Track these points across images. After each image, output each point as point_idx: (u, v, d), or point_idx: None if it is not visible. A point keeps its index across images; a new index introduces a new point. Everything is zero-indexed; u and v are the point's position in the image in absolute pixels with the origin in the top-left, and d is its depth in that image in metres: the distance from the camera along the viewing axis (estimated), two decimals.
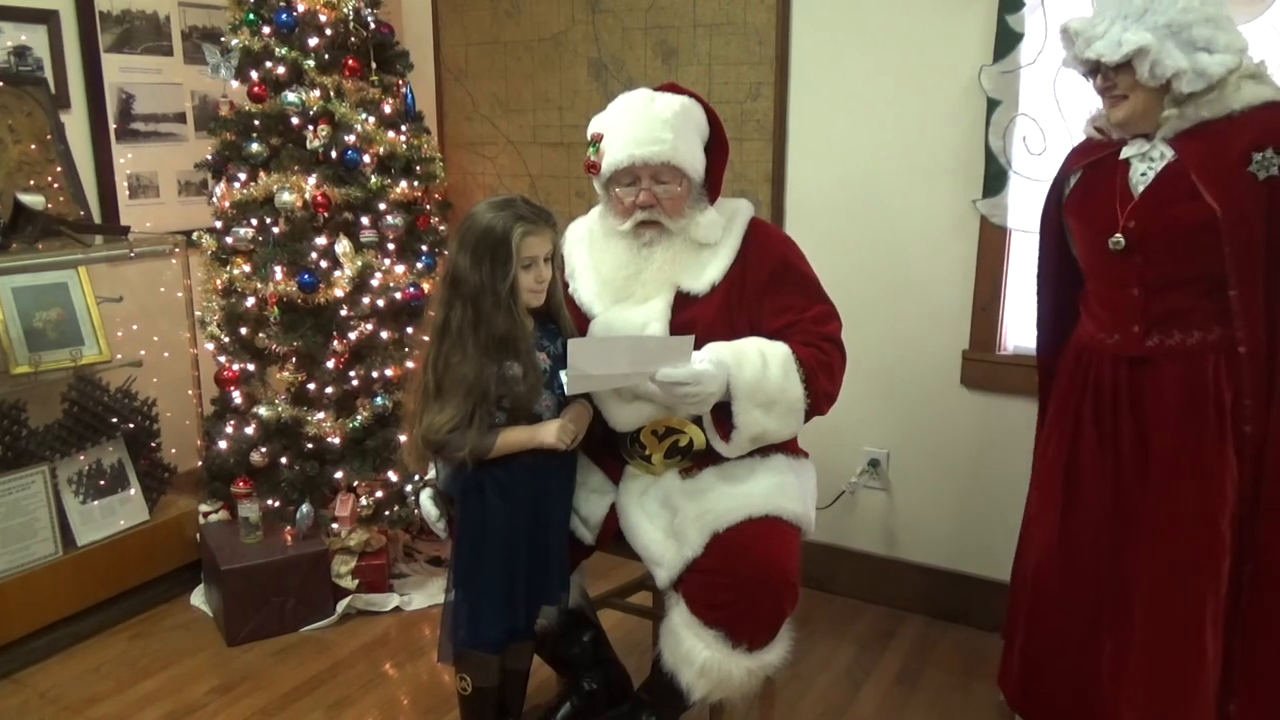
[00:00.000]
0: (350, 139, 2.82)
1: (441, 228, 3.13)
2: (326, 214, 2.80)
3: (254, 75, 2.83)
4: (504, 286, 1.87)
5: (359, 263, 2.82)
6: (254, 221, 2.83)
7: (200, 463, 3.07)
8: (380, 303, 2.87)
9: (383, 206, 2.89)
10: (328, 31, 2.85)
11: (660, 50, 3.07)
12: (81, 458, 2.84)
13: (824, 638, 2.80)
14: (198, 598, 3.00)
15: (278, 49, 2.80)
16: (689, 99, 2.09)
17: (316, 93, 2.81)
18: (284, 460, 2.87)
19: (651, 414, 2.04)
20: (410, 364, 2.84)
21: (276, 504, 2.88)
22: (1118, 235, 1.94)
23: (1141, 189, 1.93)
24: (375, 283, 2.85)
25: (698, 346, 1.93)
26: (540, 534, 2.00)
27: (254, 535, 2.84)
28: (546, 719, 2.19)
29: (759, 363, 1.93)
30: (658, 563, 1.98)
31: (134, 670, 2.64)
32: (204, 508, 2.99)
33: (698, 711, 2.07)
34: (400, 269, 2.93)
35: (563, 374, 1.89)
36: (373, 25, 2.93)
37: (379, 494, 2.89)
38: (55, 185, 2.83)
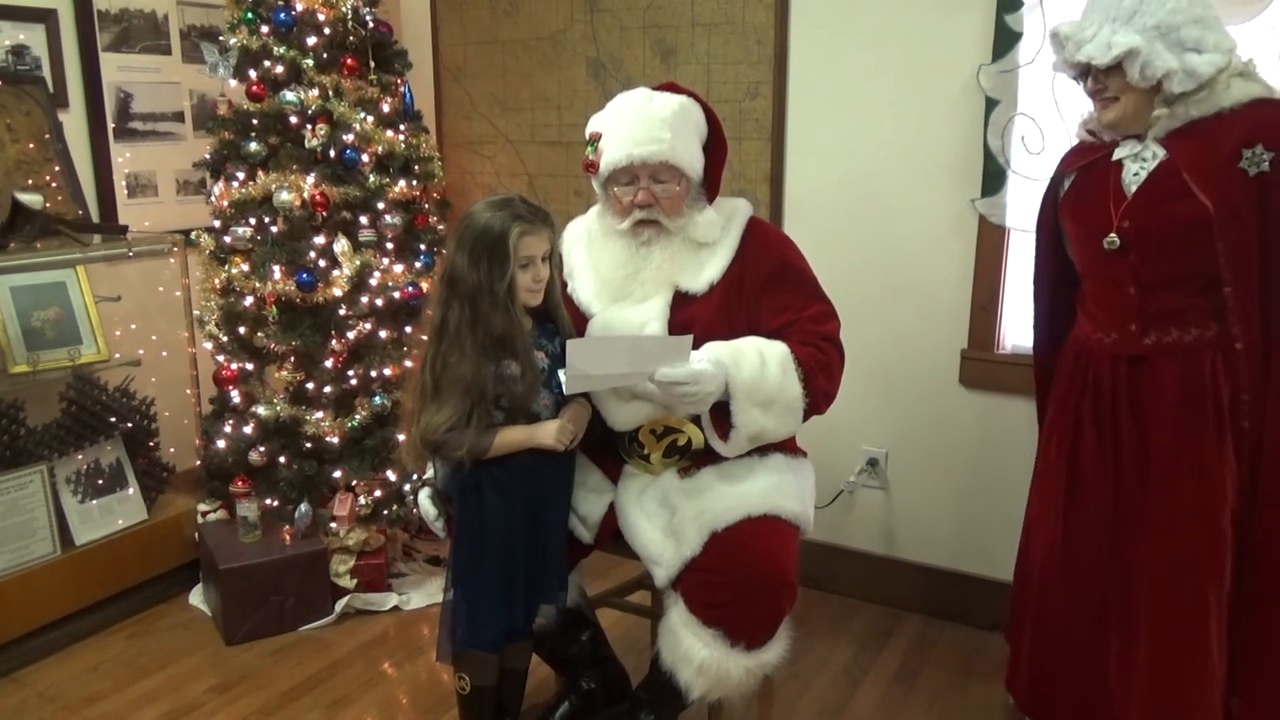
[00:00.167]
0: (349, 138, 2.82)
1: (440, 227, 3.13)
2: (325, 213, 2.80)
3: (252, 74, 2.83)
4: (501, 286, 1.87)
5: (357, 262, 2.82)
6: (252, 221, 2.83)
7: (199, 462, 3.06)
8: (379, 302, 2.87)
9: (381, 206, 2.89)
10: (326, 30, 2.84)
11: (659, 49, 3.07)
12: (80, 457, 2.84)
13: (822, 637, 2.80)
14: (196, 597, 3.00)
15: (276, 48, 2.80)
16: (687, 98, 2.09)
17: (315, 92, 2.80)
18: (282, 459, 2.87)
19: (650, 413, 2.04)
20: (409, 363, 2.85)
21: (275, 503, 2.88)
22: (1112, 235, 1.95)
23: (1134, 189, 1.94)
24: (374, 282, 2.85)
25: (696, 346, 1.93)
26: (539, 533, 2.00)
27: (252, 534, 2.84)
28: (545, 718, 2.20)
29: (757, 362, 1.93)
30: (656, 562, 1.98)
31: (132, 669, 2.64)
32: (202, 507, 2.99)
33: (696, 710, 2.07)
34: (399, 268, 2.92)
35: (561, 373, 1.89)
36: (371, 24, 2.93)
37: (377, 493, 2.90)
38: (53, 184, 2.83)
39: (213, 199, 2.92)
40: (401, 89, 3.04)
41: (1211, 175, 1.85)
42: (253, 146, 2.82)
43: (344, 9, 2.85)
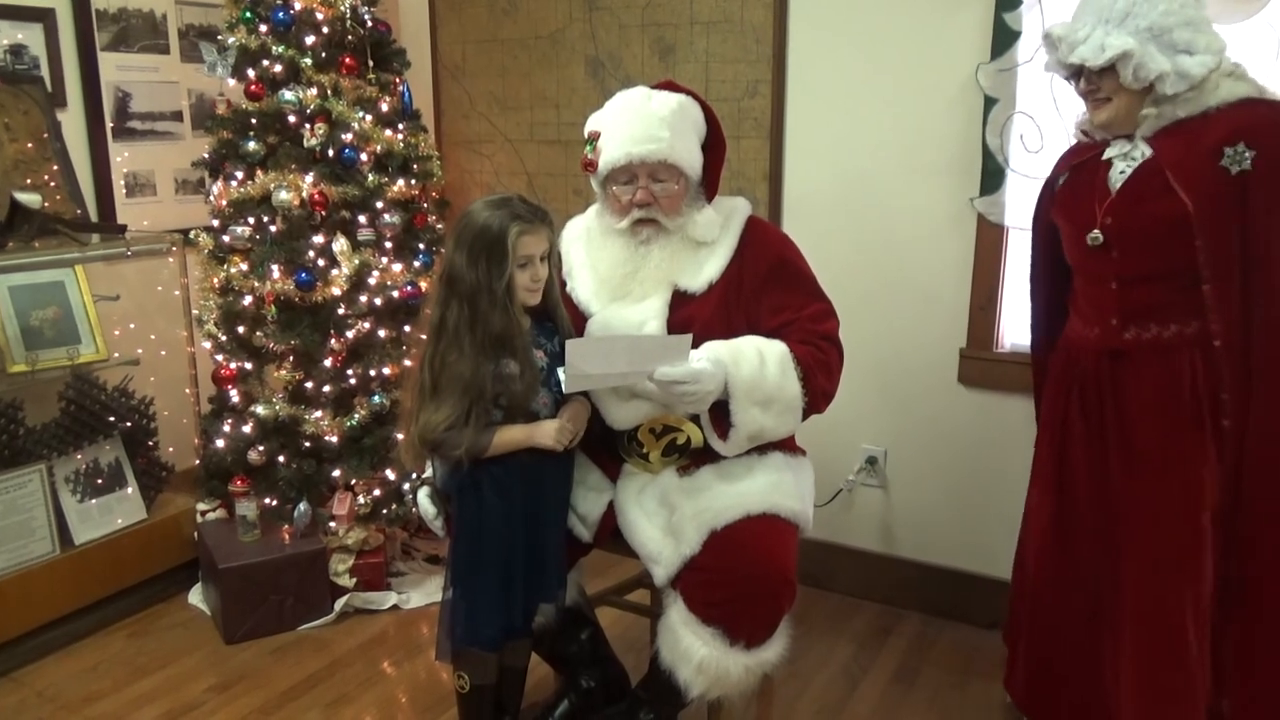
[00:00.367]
0: (347, 137, 2.82)
1: (439, 226, 3.13)
2: (324, 212, 2.80)
3: (251, 73, 2.83)
4: (500, 285, 1.87)
5: (356, 261, 2.82)
6: (251, 220, 2.82)
7: (198, 461, 3.06)
8: (378, 301, 2.86)
9: (380, 205, 2.89)
10: (325, 29, 2.84)
11: (658, 48, 3.07)
12: (79, 456, 2.84)
13: (821, 635, 2.80)
14: (195, 596, 2.99)
15: (275, 47, 2.80)
16: (686, 97, 2.09)
17: (314, 91, 2.80)
18: (281, 459, 2.87)
19: (649, 412, 2.04)
20: (407, 362, 2.85)
21: (274, 502, 2.88)
22: (1096, 231, 1.97)
23: (1119, 186, 1.95)
24: (373, 281, 2.85)
25: (695, 345, 1.93)
26: (538, 532, 2.00)
27: (251, 534, 2.84)
28: (544, 717, 2.20)
29: (756, 361, 1.94)
30: (655, 560, 1.98)
31: (131, 669, 2.64)
32: (201, 506, 2.99)
33: (695, 709, 2.07)
34: (397, 267, 2.92)
35: (560, 372, 1.89)
36: (370, 23, 2.93)
37: (377, 492, 2.90)
38: (52, 184, 2.83)
39: (211, 198, 2.92)
40: (400, 88, 3.04)
41: (1193, 174, 1.86)
42: (251, 146, 2.82)
43: (342, 8, 2.85)
